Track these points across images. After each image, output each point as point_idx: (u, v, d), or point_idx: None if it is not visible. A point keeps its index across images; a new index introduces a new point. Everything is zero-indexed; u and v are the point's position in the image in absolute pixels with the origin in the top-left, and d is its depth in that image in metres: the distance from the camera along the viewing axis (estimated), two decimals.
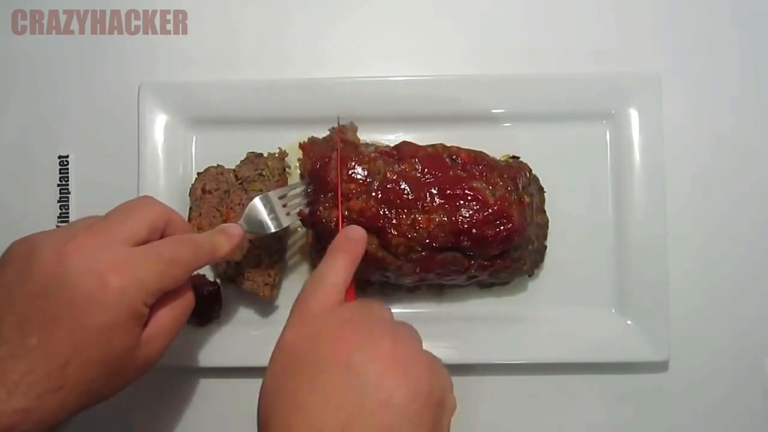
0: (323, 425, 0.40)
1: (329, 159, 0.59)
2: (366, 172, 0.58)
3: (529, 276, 0.65)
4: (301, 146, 0.61)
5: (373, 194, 0.58)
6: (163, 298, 0.48)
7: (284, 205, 0.58)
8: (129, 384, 0.48)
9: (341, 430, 0.39)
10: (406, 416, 0.40)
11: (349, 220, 0.58)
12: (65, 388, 0.43)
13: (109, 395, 0.47)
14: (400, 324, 0.46)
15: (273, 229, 0.57)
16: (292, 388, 0.42)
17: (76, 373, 0.43)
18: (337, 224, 0.58)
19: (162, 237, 0.50)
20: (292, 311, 0.47)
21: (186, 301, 0.50)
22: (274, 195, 0.58)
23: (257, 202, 0.57)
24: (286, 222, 0.58)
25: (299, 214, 0.59)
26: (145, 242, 0.48)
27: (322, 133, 0.64)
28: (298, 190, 0.60)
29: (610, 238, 0.65)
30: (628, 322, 0.64)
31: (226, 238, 0.53)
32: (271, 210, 0.57)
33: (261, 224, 0.57)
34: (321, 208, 0.58)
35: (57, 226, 0.66)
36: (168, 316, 0.48)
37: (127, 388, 0.48)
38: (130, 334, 0.45)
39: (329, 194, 0.58)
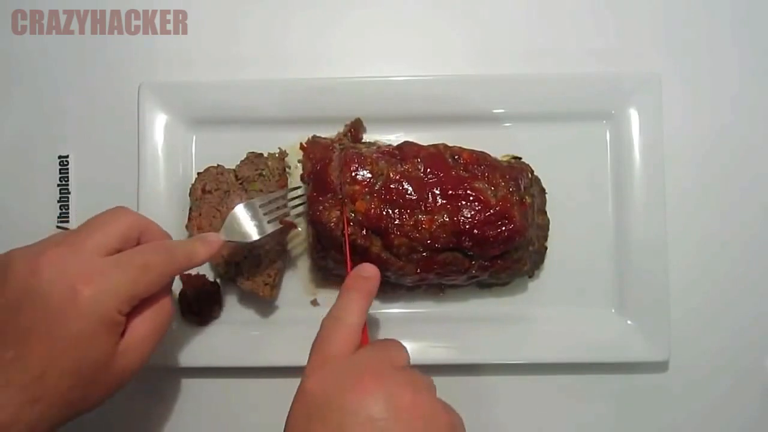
0: None
1: (330, 160, 0.59)
2: (370, 174, 0.58)
3: (529, 277, 0.65)
4: (302, 147, 0.62)
5: (376, 195, 0.58)
6: (141, 306, 0.48)
7: (266, 213, 0.58)
8: (110, 395, 0.48)
9: None
10: None
11: (354, 221, 0.58)
12: (43, 400, 0.43)
13: (90, 406, 0.47)
14: (416, 372, 0.47)
15: (254, 238, 0.57)
16: None
17: (53, 384, 0.43)
18: (336, 224, 0.58)
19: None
20: (311, 353, 0.47)
21: (163, 309, 0.50)
22: (255, 204, 0.58)
23: (238, 210, 0.57)
24: (268, 230, 0.58)
25: (281, 222, 0.59)
26: (117, 252, 0.48)
27: (322, 134, 0.64)
28: (281, 196, 0.61)
29: (610, 238, 0.65)
30: (628, 322, 0.64)
31: (204, 246, 0.52)
32: (253, 217, 0.57)
33: (242, 233, 0.56)
34: (321, 208, 0.58)
35: (57, 227, 0.67)
36: (146, 325, 0.48)
37: (114, 395, 0.48)
38: (105, 342, 0.45)
39: (329, 195, 0.58)
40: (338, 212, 0.58)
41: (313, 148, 0.61)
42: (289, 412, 0.45)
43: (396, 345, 0.49)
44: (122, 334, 0.47)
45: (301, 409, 0.44)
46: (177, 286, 0.64)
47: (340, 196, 0.58)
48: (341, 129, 0.65)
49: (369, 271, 0.51)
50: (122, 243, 0.48)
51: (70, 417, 0.46)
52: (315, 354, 0.47)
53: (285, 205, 0.61)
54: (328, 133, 0.65)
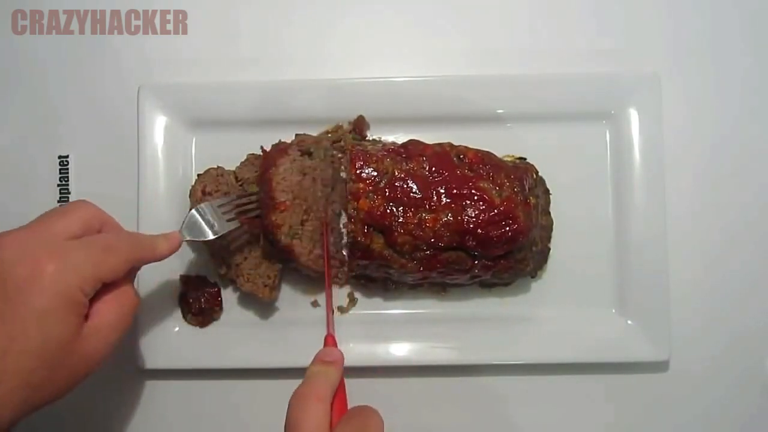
0: None
1: (274, 165, 0.59)
2: (375, 172, 0.58)
3: (532, 277, 0.65)
4: (263, 150, 0.62)
5: (381, 193, 0.58)
6: (104, 292, 0.48)
7: (224, 213, 0.59)
8: (77, 382, 0.47)
9: None
10: None
11: (357, 220, 0.58)
12: (4, 383, 0.42)
13: (56, 394, 0.46)
14: None
15: (211, 236, 0.58)
16: None
17: (14, 365, 0.42)
18: (286, 234, 0.59)
19: None
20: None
21: (127, 297, 0.50)
22: (212, 205, 0.59)
23: (194, 212, 0.58)
24: (224, 229, 0.58)
25: (241, 221, 0.60)
26: (79, 238, 0.48)
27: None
28: (237, 198, 0.61)
29: (610, 239, 0.65)
30: (629, 322, 0.64)
31: (167, 242, 0.53)
32: (211, 218, 0.58)
33: (200, 232, 0.57)
34: (268, 214, 0.59)
35: None
36: (110, 311, 0.48)
37: (81, 383, 0.48)
38: (68, 322, 0.45)
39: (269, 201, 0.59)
40: (290, 223, 0.59)
41: (266, 153, 0.61)
42: None
43: (372, 415, 0.48)
44: (86, 318, 0.47)
45: None
46: (177, 287, 0.64)
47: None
48: (346, 126, 0.65)
49: (333, 354, 0.53)
50: (84, 230, 0.49)
51: (34, 404, 0.45)
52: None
53: (244, 205, 0.61)
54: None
